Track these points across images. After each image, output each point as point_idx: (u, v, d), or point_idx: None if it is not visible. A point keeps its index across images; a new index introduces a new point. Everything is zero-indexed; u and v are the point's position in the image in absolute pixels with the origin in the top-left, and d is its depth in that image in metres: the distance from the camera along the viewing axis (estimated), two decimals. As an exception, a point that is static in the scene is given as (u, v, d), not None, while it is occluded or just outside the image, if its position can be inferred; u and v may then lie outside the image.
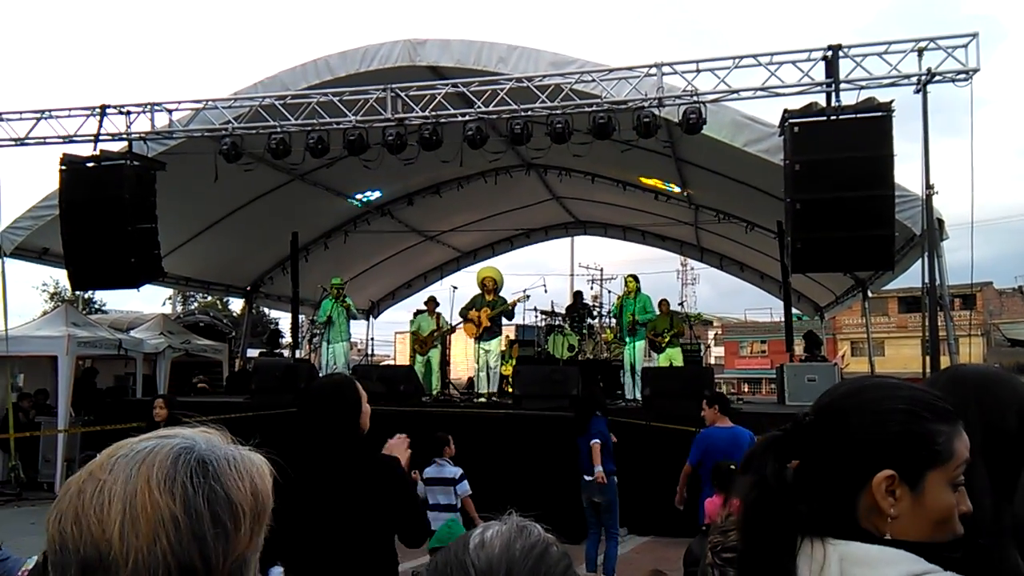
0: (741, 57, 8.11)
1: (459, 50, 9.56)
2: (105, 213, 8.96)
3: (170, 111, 9.60)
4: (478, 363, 11.91)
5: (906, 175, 8.03)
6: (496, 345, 11.83)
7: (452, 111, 8.78)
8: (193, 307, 32.60)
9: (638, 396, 10.62)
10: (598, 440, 6.80)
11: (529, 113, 8.59)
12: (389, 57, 9.72)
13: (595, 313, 16.26)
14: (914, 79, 7.63)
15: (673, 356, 12.33)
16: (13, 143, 9.71)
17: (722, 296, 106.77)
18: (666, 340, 12.30)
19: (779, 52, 8.02)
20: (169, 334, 14.47)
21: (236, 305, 31.26)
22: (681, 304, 45.83)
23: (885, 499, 1.08)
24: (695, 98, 8.12)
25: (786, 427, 1.19)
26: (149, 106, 9.55)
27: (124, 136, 9.54)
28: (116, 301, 27.68)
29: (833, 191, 7.21)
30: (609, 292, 19.63)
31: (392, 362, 24.83)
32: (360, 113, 8.89)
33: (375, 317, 19.97)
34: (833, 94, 7.62)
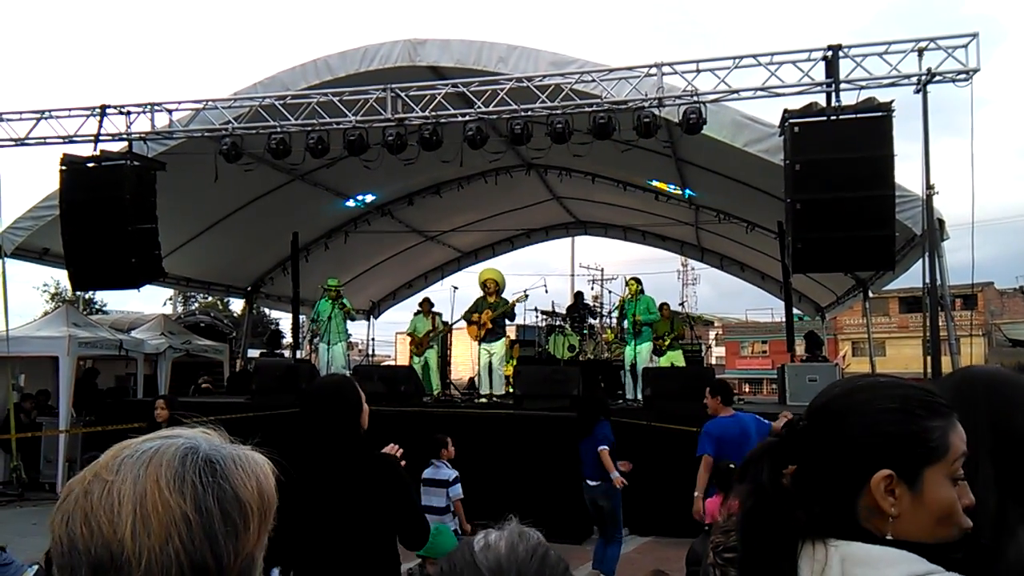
0: (741, 57, 8.11)
1: (459, 50, 9.56)
2: (105, 213, 8.96)
3: (170, 111, 9.61)
4: (479, 363, 11.91)
5: (906, 175, 8.04)
6: (500, 347, 11.81)
7: (452, 111, 8.78)
8: (194, 307, 32.61)
9: (638, 396, 10.62)
10: (606, 447, 6.70)
11: (529, 113, 8.59)
12: (389, 57, 9.72)
13: (596, 313, 16.26)
14: (914, 79, 7.63)
15: (674, 359, 12.33)
16: (13, 143, 9.71)
17: (723, 296, 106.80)
18: (667, 343, 12.30)
19: (779, 52, 8.02)
20: (170, 334, 14.47)
21: (237, 305, 31.25)
22: (682, 304, 45.87)
23: (885, 499, 1.08)
24: (695, 98, 8.12)
25: (781, 433, 1.19)
26: (149, 106, 9.56)
27: (124, 136, 9.54)
28: (117, 301, 27.68)
29: (833, 191, 7.21)
30: (610, 292, 19.68)
31: (393, 362, 24.81)
32: (360, 113, 8.89)
33: (376, 317, 19.99)
34: (833, 94, 7.62)
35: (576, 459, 7.04)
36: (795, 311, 15.18)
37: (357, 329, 19.28)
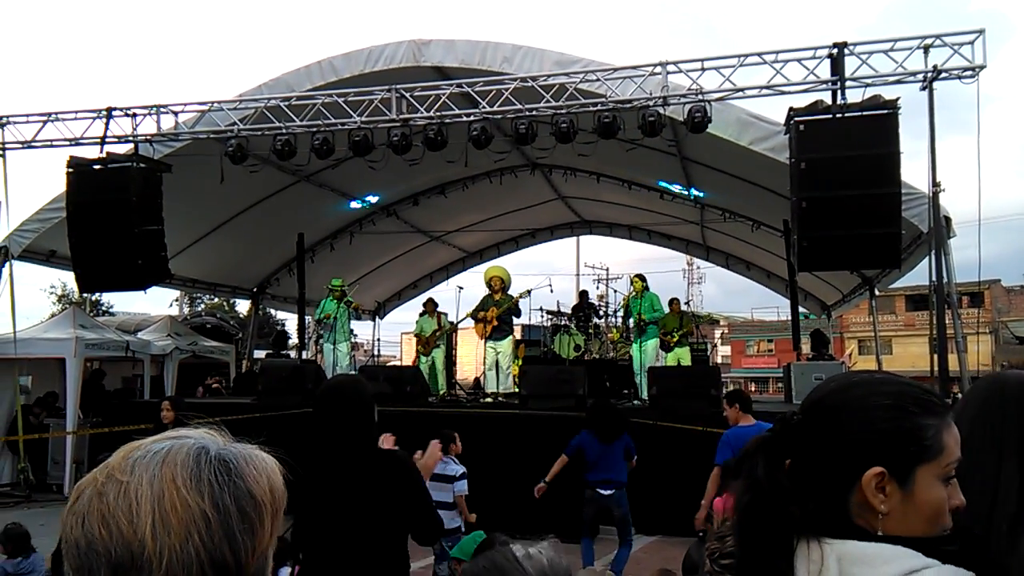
0: (746, 55, 8.09)
1: (463, 50, 9.56)
2: (112, 215, 8.99)
3: (176, 113, 9.64)
4: (485, 362, 11.91)
5: (913, 173, 8.02)
6: (507, 345, 11.80)
7: (457, 111, 8.78)
8: (200, 309, 32.70)
9: (644, 396, 10.61)
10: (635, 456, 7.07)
11: (534, 113, 8.59)
12: (393, 58, 9.72)
13: (601, 313, 16.25)
14: (920, 76, 7.60)
15: (682, 356, 12.31)
16: (20, 146, 9.76)
17: (728, 295, 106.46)
18: (675, 339, 12.28)
19: (784, 50, 8.01)
20: (176, 336, 14.52)
21: (243, 307, 31.31)
22: (688, 303, 45.77)
23: (875, 496, 1.08)
24: (700, 97, 8.11)
25: (775, 428, 1.18)
26: (155, 108, 9.58)
27: (130, 138, 9.57)
28: (123, 303, 27.76)
29: (839, 189, 7.19)
30: (615, 292, 19.69)
31: (398, 363, 24.84)
32: (365, 114, 8.90)
33: (381, 318, 20.01)
34: (839, 92, 7.60)
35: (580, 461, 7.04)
36: (801, 309, 15.14)
37: (362, 329, 19.33)
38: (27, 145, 9.73)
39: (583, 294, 16.03)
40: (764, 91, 8.13)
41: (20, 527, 5.54)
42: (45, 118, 9.65)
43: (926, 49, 7.56)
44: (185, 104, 9.68)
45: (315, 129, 8.98)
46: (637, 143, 8.97)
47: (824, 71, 7.80)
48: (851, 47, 7.70)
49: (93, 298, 29.01)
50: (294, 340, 15.60)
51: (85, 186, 9.18)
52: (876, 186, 7.17)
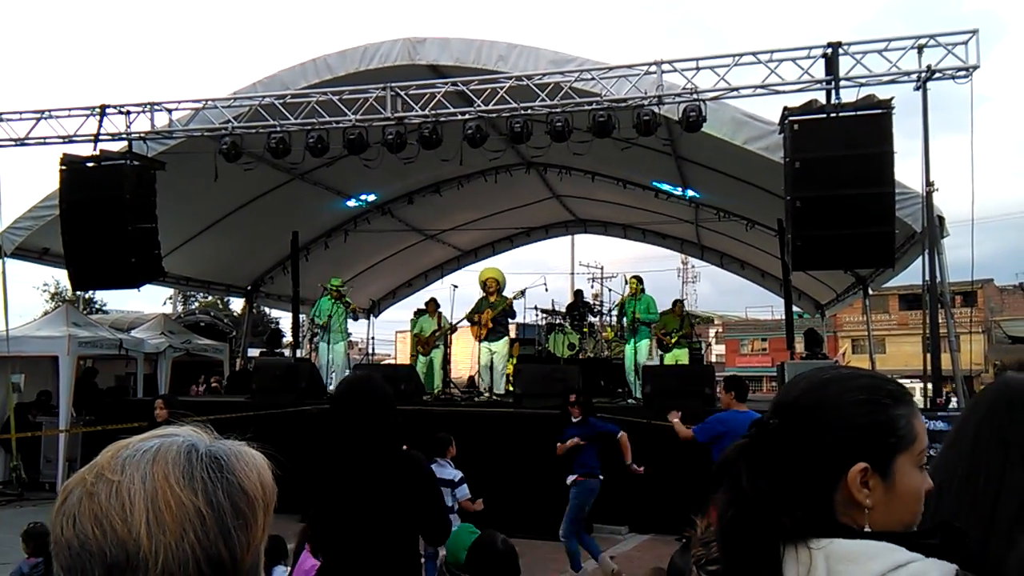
0: (741, 55, 8.11)
1: (459, 49, 9.55)
2: (105, 213, 8.96)
3: (170, 111, 9.61)
4: (480, 362, 11.90)
5: (906, 172, 8.05)
6: (502, 345, 11.79)
7: (452, 110, 8.78)
8: (194, 307, 32.62)
9: (639, 395, 10.62)
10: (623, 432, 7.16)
11: (529, 111, 8.59)
12: (389, 56, 9.71)
13: (596, 311, 16.26)
14: (914, 76, 7.63)
15: (679, 356, 12.31)
16: (13, 143, 9.72)
17: (723, 294, 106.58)
18: (674, 340, 12.28)
19: (779, 50, 8.02)
20: (170, 334, 14.47)
21: (237, 305, 31.27)
22: (682, 302, 45.78)
23: (860, 491, 1.08)
24: (695, 96, 8.12)
25: (752, 433, 1.16)
26: (149, 106, 9.56)
27: (124, 136, 9.54)
28: (117, 301, 27.70)
29: (833, 188, 7.21)
30: (610, 291, 19.69)
31: (393, 361, 24.82)
32: (360, 112, 8.89)
33: (376, 316, 19.98)
34: (833, 91, 7.63)
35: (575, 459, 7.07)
36: (795, 309, 15.19)
37: (357, 328, 19.28)
38: (20, 143, 9.69)
39: (578, 293, 16.04)
40: (759, 90, 8.14)
41: (43, 527, 5.49)
42: (38, 115, 9.61)
43: (920, 49, 7.58)
44: (179, 101, 9.65)
45: (310, 127, 8.97)
46: (632, 142, 8.98)
47: (818, 71, 7.82)
48: (845, 47, 7.72)
49: (86, 296, 28.90)
50: (288, 338, 15.57)
51: (78, 184, 9.14)
52: (870, 186, 7.19)
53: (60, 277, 28.84)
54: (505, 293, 11.96)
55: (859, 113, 7.37)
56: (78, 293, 22.62)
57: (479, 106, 8.65)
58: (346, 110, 8.90)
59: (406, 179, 13.97)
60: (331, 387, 11.98)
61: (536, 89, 8.56)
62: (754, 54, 8.06)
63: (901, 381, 1.22)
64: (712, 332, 48.07)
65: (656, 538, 8.56)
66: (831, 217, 7.22)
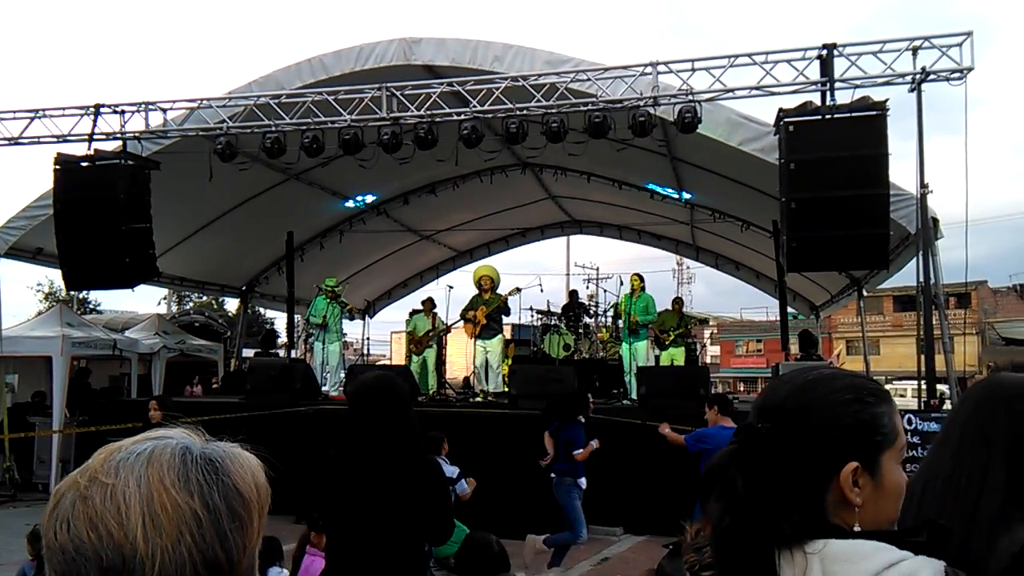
0: (736, 56, 8.12)
1: (454, 49, 9.55)
2: (99, 213, 8.93)
3: (164, 110, 9.58)
4: (475, 362, 11.89)
5: (901, 174, 8.07)
6: (496, 344, 11.78)
7: (447, 110, 8.77)
8: (188, 307, 32.52)
9: (634, 395, 10.63)
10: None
11: (525, 112, 8.59)
12: (384, 56, 9.70)
13: (591, 312, 16.28)
14: (909, 78, 7.65)
15: (675, 355, 12.31)
16: (7, 142, 9.68)
17: (718, 295, 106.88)
18: (671, 338, 12.29)
19: (774, 51, 8.03)
20: (164, 334, 14.44)
21: (231, 305, 31.20)
22: (681, 301, 45.83)
23: (852, 491, 1.09)
24: (690, 97, 8.12)
25: (741, 439, 1.16)
26: (143, 105, 9.53)
27: (118, 135, 9.51)
28: (111, 301, 27.58)
29: (828, 190, 7.22)
30: (605, 291, 19.69)
31: (388, 362, 24.80)
32: (355, 112, 8.87)
33: (371, 317, 19.97)
34: (828, 93, 7.64)
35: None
36: (790, 310, 15.21)
37: (352, 328, 19.27)
38: (14, 142, 9.65)
39: (573, 293, 16.04)
40: (754, 92, 8.16)
41: None
42: (32, 115, 9.57)
43: (914, 51, 7.60)
44: (174, 101, 9.63)
45: (305, 127, 8.95)
46: (627, 143, 8.98)
47: (813, 72, 7.84)
48: (840, 48, 7.73)
49: (80, 296, 28.82)
50: (283, 339, 15.55)
51: (72, 183, 9.11)
52: (864, 187, 7.21)
53: (54, 277, 28.72)
54: (500, 291, 11.96)
55: (854, 115, 7.38)
56: (72, 293, 22.56)
57: (475, 106, 8.64)
58: (341, 110, 8.89)
59: (402, 179, 13.95)
60: (325, 388, 11.97)
61: (532, 90, 8.55)
62: (749, 55, 8.07)
63: (898, 381, 1.23)
64: (707, 333, 48.12)
65: (651, 539, 8.56)
66: (826, 218, 7.23)
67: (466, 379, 14.74)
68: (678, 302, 12.95)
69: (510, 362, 13.47)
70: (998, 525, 1.28)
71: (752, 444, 1.14)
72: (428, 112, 8.72)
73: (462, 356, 16.77)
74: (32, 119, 9.57)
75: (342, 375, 12.08)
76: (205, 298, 32.87)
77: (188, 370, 15.11)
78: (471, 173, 14.32)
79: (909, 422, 7.22)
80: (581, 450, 6.96)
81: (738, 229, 14.09)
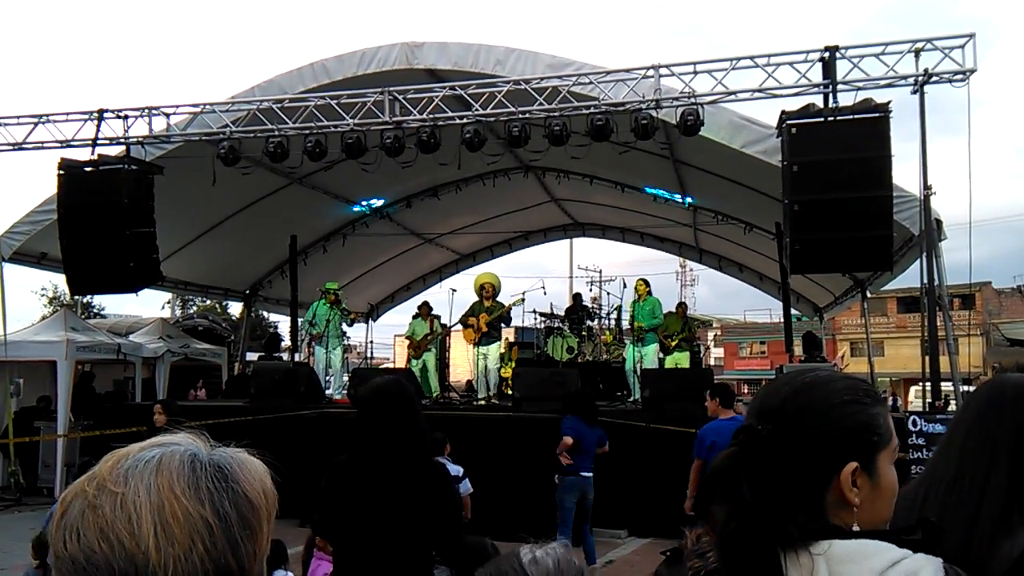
0: (738, 59, 8.12)
1: (456, 53, 9.56)
2: (103, 217, 8.96)
3: (168, 115, 9.61)
4: (476, 367, 11.90)
5: (904, 175, 8.07)
6: (495, 350, 11.80)
7: (450, 114, 8.78)
8: (192, 311, 32.55)
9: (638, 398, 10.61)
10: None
11: (527, 115, 8.60)
12: (386, 60, 9.72)
13: (594, 315, 16.26)
14: (911, 80, 7.65)
15: (680, 360, 12.27)
16: (11, 148, 9.71)
17: (721, 297, 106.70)
18: (675, 342, 12.26)
19: (776, 54, 8.04)
20: (168, 338, 14.46)
21: (235, 309, 31.21)
22: (685, 305, 45.85)
23: (851, 491, 1.10)
24: (693, 100, 8.13)
25: (742, 441, 1.15)
26: (147, 110, 9.56)
27: (122, 140, 9.54)
28: (115, 305, 27.71)
29: (831, 192, 7.22)
30: (608, 294, 19.63)
31: (391, 365, 24.80)
32: (358, 116, 8.89)
33: (374, 320, 19.98)
34: (830, 95, 7.64)
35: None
36: (793, 312, 15.20)
37: (355, 332, 19.29)
38: (18, 147, 9.68)
39: (576, 296, 16.03)
40: (756, 94, 8.16)
41: None
42: (36, 120, 9.61)
43: (917, 53, 7.60)
44: (177, 106, 9.65)
45: (307, 131, 8.97)
46: (630, 146, 8.99)
47: (816, 74, 7.84)
48: (842, 50, 7.74)
49: (84, 300, 28.86)
50: (287, 343, 15.54)
51: (76, 188, 9.14)
52: (867, 189, 7.20)
53: (58, 281, 28.77)
54: (504, 299, 11.98)
55: (856, 117, 7.38)
56: (76, 297, 22.60)
57: (477, 110, 8.66)
58: (344, 114, 8.91)
59: (404, 183, 13.98)
60: (329, 391, 11.98)
61: (534, 93, 8.56)
62: (752, 58, 8.08)
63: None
64: (711, 335, 48.09)
65: (656, 542, 8.55)
66: (829, 220, 7.23)
67: (468, 382, 14.70)
68: (682, 306, 12.95)
69: (513, 365, 13.46)
70: (999, 529, 1.28)
71: (753, 446, 1.14)
72: (430, 116, 8.74)
73: (465, 359, 16.75)
74: (36, 124, 9.60)
75: (345, 379, 12.07)
76: (209, 302, 32.88)
77: (192, 374, 15.12)
78: (473, 176, 14.33)
79: (914, 424, 7.21)
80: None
81: (741, 231, 14.08)
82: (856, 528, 1.10)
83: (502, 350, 13.03)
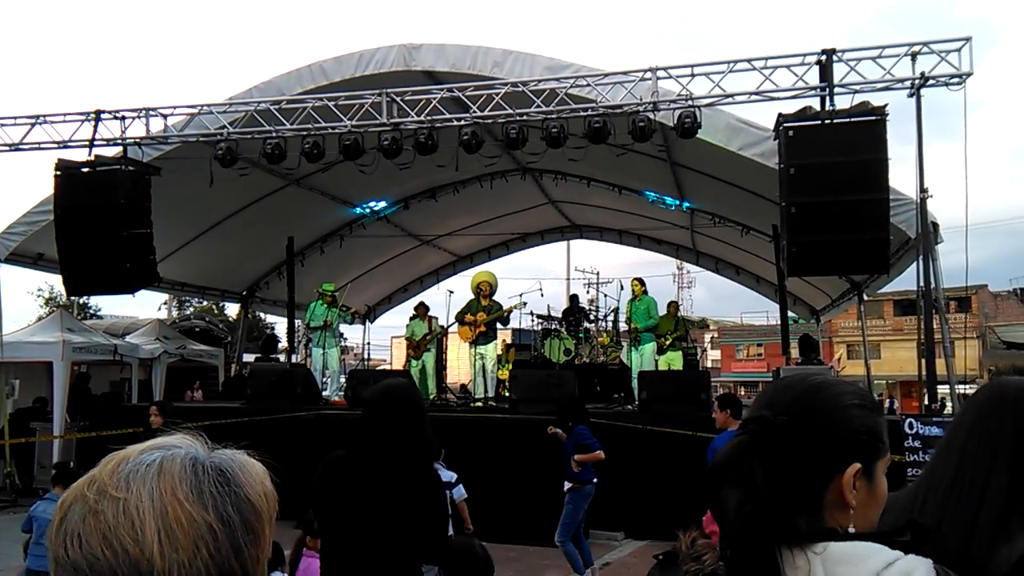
0: (736, 61, 8.14)
1: (454, 55, 9.57)
2: (100, 218, 8.94)
3: (165, 116, 9.61)
4: (474, 367, 11.90)
5: (900, 178, 8.10)
6: (492, 349, 11.80)
7: (447, 115, 8.79)
8: (189, 312, 32.50)
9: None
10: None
11: (524, 117, 8.60)
12: (384, 62, 9.73)
13: (591, 317, 16.26)
14: (908, 83, 7.67)
15: (673, 360, 12.29)
16: (8, 148, 9.70)
17: (718, 299, 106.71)
18: (668, 342, 12.28)
19: (773, 56, 8.06)
20: (165, 339, 14.44)
21: (232, 310, 31.16)
22: (677, 305, 45.89)
23: (851, 492, 1.11)
24: (690, 102, 8.14)
25: (753, 429, 1.15)
26: (144, 111, 9.55)
27: (119, 141, 9.53)
28: (111, 306, 27.65)
29: (828, 195, 7.24)
30: (606, 296, 19.69)
31: (388, 367, 24.79)
32: (355, 118, 8.89)
33: (371, 322, 19.98)
34: (827, 98, 7.66)
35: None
36: (790, 314, 15.20)
37: (353, 333, 19.29)
38: (14, 148, 9.67)
39: (573, 298, 16.01)
40: (753, 97, 8.17)
41: None
42: (33, 121, 9.59)
43: (913, 56, 7.62)
44: (174, 107, 9.65)
45: (305, 133, 8.97)
46: (627, 148, 9.02)
47: (813, 77, 7.85)
48: (839, 54, 7.75)
49: (81, 301, 28.82)
50: (283, 344, 15.53)
51: (73, 189, 9.13)
52: (864, 192, 7.22)
53: (54, 282, 28.76)
54: (504, 301, 11.98)
55: (853, 119, 7.40)
56: (72, 298, 22.58)
57: (475, 112, 8.66)
58: (342, 116, 8.91)
59: (402, 185, 13.98)
60: (326, 393, 11.96)
61: (531, 95, 8.57)
62: (749, 61, 8.09)
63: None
64: (707, 337, 48.12)
65: (652, 544, 8.54)
66: (826, 223, 7.24)
67: (463, 386, 14.72)
68: (673, 305, 12.94)
69: (510, 366, 13.46)
70: (998, 533, 1.28)
71: (767, 435, 1.14)
72: (428, 117, 8.74)
73: (462, 360, 16.75)
74: (33, 125, 9.59)
75: (342, 380, 12.06)
76: (205, 303, 32.86)
77: (189, 375, 15.09)
78: (471, 178, 14.33)
79: (910, 426, 7.22)
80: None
81: (738, 233, 14.10)
82: (852, 530, 1.10)
83: (499, 350, 13.01)
